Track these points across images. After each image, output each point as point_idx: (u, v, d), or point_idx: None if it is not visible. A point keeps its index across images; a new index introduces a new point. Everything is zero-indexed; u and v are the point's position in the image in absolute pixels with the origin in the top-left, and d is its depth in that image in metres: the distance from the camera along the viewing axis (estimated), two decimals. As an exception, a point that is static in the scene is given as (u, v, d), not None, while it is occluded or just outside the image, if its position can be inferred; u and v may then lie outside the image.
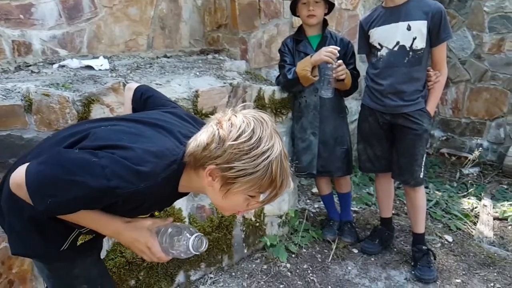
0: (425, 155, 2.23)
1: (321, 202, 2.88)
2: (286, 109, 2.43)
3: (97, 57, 2.43)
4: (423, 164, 2.21)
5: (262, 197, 1.01)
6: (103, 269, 1.27)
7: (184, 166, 1.00)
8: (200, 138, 0.96)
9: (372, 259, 2.45)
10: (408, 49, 2.07)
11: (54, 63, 2.21)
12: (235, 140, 0.92)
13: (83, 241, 1.16)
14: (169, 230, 1.05)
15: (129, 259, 1.86)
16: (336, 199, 2.79)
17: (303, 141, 2.43)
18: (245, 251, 2.40)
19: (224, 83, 2.14)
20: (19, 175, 0.92)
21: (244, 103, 2.17)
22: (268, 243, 2.45)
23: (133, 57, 2.59)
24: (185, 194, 1.11)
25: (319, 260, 2.43)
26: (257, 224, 2.43)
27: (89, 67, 2.16)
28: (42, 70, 2.07)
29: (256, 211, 2.40)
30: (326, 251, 2.52)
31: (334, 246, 2.51)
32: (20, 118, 1.53)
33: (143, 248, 1.05)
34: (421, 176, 2.23)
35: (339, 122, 2.44)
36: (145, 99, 1.28)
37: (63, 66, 2.16)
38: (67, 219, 1.02)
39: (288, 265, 2.36)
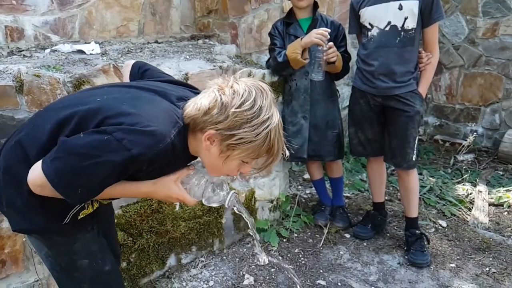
0: (417, 138, 2.21)
1: (313, 188, 2.88)
2: (276, 93, 2.41)
3: (89, 43, 2.42)
4: (415, 146, 2.20)
5: (254, 163, 1.05)
6: (103, 244, 1.26)
7: (187, 127, 1.02)
8: (201, 102, 0.98)
9: (365, 244, 2.44)
10: (399, 29, 2.05)
11: (46, 48, 2.21)
12: (238, 107, 0.94)
13: (84, 215, 1.15)
14: (198, 181, 1.10)
15: (120, 240, 1.86)
16: (328, 185, 2.78)
17: (294, 125, 2.42)
18: (236, 235, 2.39)
19: (214, 66, 2.12)
20: (37, 178, 0.94)
21: (241, 71, 2.15)
22: (259, 228, 2.45)
23: (124, 43, 2.57)
24: (196, 156, 1.12)
25: (311, 244, 2.43)
26: (248, 208, 2.42)
27: (81, 52, 2.15)
28: (34, 55, 2.07)
29: (247, 195, 2.40)
30: (317, 236, 2.52)
31: (325, 231, 2.51)
32: (11, 99, 1.54)
33: (176, 200, 1.11)
34: (414, 159, 2.22)
35: (330, 106, 2.43)
36: (142, 72, 1.29)
37: (55, 50, 2.16)
38: (98, 197, 1.03)
39: (280, 250, 2.36)
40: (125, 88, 1.11)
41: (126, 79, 1.32)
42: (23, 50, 2.16)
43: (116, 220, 1.80)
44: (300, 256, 2.32)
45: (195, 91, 1.15)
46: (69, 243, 1.16)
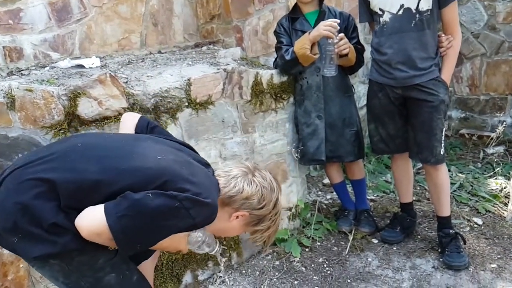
0: (444, 129, 2.04)
1: (334, 193, 2.71)
2: (286, 94, 2.28)
3: (90, 58, 2.37)
4: (442, 139, 2.02)
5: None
6: (124, 256, 1.18)
7: None
8: (242, 186, 1.21)
9: (394, 248, 2.26)
10: (414, 11, 1.89)
11: (46, 67, 2.16)
12: (274, 204, 1.25)
13: None
14: (200, 238, 1.27)
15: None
16: (350, 189, 2.62)
17: (308, 126, 2.28)
18: (255, 247, 2.25)
19: (218, 69, 2.01)
20: (96, 227, 0.99)
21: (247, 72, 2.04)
22: (279, 238, 2.29)
23: (127, 55, 2.51)
24: None
25: (336, 253, 2.26)
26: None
27: (80, 66, 2.09)
28: (33, 72, 2.02)
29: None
30: (342, 243, 2.35)
31: (351, 238, 2.33)
32: (3, 116, 1.47)
33: (176, 250, 1.27)
34: (442, 152, 2.04)
35: (346, 102, 2.28)
36: (151, 127, 1.39)
37: (54, 67, 2.11)
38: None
39: (302, 260, 2.19)
40: (169, 148, 1.22)
41: (127, 129, 1.38)
42: (22, 70, 2.11)
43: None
44: (325, 265, 2.16)
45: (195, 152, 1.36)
46: (93, 261, 1.12)
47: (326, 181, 3.02)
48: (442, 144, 2.02)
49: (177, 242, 1.20)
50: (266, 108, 2.21)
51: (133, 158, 1.10)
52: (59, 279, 1.14)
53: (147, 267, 1.40)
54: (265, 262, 2.19)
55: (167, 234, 1.05)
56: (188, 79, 1.91)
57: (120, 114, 1.72)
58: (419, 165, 3.08)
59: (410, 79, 1.96)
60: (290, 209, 2.41)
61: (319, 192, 2.95)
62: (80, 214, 1.01)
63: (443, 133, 2.02)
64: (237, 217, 1.22)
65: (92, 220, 1.00)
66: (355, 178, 2.47)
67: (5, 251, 1.47)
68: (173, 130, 1.88)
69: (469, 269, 2.03)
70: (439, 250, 2.15)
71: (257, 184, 1.21)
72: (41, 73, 1.95)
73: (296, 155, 2.28)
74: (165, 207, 0.99)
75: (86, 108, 1.63)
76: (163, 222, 1.00)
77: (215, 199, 1.12)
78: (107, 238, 0.99)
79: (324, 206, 2.73)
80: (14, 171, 1.11)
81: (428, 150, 2.03)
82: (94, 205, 1.02)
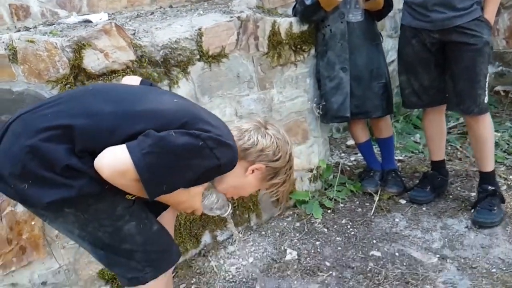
0: (488, 75, 1.85)
1: (358, 154, 2.57)
2: (307, 45, 2.10)
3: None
4: (486, 85, 1.84)
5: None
6: (142, 204, 1.12)
7: None
8: (257, 138, 1.16)
9: (424, 208, 2.12)
10: None
11: (53, 24, 2.07)
12: (289, 156, 1.21)
13: None
14: (213, 199, 1.22)
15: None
16: (376, 150, 2.46)
17: (332, 79, 2.11)
18: (274, 209, 2.15)
19: (231, 17, 1.86)
20: (119, 165, 0.93)
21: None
22: (299, 200, 2.19)
23: (136, 11, 2.38)
24: None
25: (360, 214, 2.15)
26: (286, 178, 2.17)
27: (88, 22, 1.98)
28: (38, 28, 1.93)
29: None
30: (367, 204, 2.22)
31: (376, 198, 2.20)
32: (5, 69, 1.39)
33: (191, 210, 1.20)
34: (486, 101, 1.86)
35: (373, 51, 2.09)
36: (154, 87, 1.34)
37: (60, 23, 2.01)
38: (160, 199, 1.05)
39: (324, 221, 2.09)
40: (182, 99, 1.19)
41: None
42: (30, 28, 2.03)
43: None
44: (349, 226, 2.05)
45: None
46: (111, 208, 1.04)
47: (350, 142, 2.87)
48: (486, 92, 1.84)
49: (193, 198, 1.15)
50: (285, 61, 2.05)
51: (149, 100, 1.06)
52: (75, 231, 1.07)
53: (168, 219, 1.31)
54: (285, 223, 2.10)
55: (192, 174, 0.99)
56: (199, 29, 1.77)
57: (128, 67, 1.63)
58: (450, 123, 2.90)
59: (449, 20, 1.77)
60: (311, 170, 2.29)
61: (342, 154, 2.80)
62: (100, 154, 0.94)
63: (487, 79, 1.84)
64: (253, 171, 1.17)
65: (114, 159, 0.93)
66: (382, 136, 2.31)
67: (19, 209, 1.43)
68: (185, 86, 1.77)
69: (506, 229, 1.88)
70: (471, 209, 2.01)
71: (271, 136, 1.17)
72: (46, 29, 1.87)
73: (318, 111, 2.12)
74: (190, 145, 0.96)
75: (92, 61, 1.54)
76: (188, 160, 0.97)
77: (235, 144, 1.07)
78: (131, 178, 0.93)
79: (348, 168, 2.59)
80: (21, 116, 1.04)
81: (471, 99, 1.85)
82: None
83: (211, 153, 0.98)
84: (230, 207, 1.27)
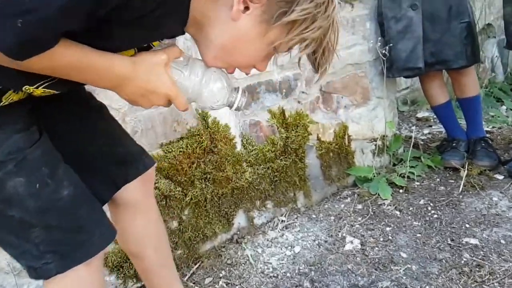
0: None
1: (433, 127, 2.05)
2: (365, -23, 1.67)
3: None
4: None
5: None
6: (55, 158, 0.71)
7: None
8: None
9: (530, 185, 1.58)
10: None
11: None
12: None
13: (10, 100, 0.65)
14: (191, 72, 0.69)
15: (165, 191, 1.33)
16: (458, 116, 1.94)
17: (398, 20, 1.65)
18: (328, 187, 1.72)
19: None
20: None
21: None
22: (361, 177, 1.74)
23: None
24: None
25: (443, 193, 1.65)
26: (341, 150, 1.72)
27: None
28: None
29: (337, 132, 1.70)
30: (452, 181, 1.72)
31: (464, 174, 1.68)
32: None
33: (162, 98, 0.68)
34: None
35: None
36: None
37: None
38: (46, 69, 0.60)
39: (395, 203, 1.61)
40: None
41: None
42: None
43: (157, 164, 1.24)
44: (429, 208, 1.56)
45: None
46: None
47: (421, 114, 2.36)
48: None
49: (151, 70, 0.66)
50: None
51: None
52: None
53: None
54: (342, 205, 1.65)
55: None
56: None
57: None
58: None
59: None
60: (374, 140, 1.83)
61: (413, 127, 2.28)
62: None
63: None
64: (245, 7, 0.61)
65: None
66: (467, 96, 1.80)
67: None
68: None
69: None
70: None
71: None
72: None
73: (384, 52, 1.63)
74: None
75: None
76: None
77: None
78: None
79: (421, 142, 2.08)
80: None
81: None
82: None
83: None
84: (241, 91, 0.73)
